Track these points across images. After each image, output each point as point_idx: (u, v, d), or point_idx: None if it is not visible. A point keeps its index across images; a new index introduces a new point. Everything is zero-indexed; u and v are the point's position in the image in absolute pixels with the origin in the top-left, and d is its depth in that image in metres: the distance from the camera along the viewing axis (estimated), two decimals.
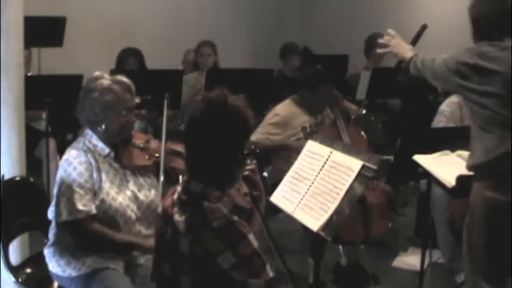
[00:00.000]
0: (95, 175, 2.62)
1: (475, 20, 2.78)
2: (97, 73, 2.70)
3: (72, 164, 2.61)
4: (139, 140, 2.85)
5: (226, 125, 1.94)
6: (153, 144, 2.89)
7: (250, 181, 2.30)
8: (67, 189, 2.57)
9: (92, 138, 2.68)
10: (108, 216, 2.61)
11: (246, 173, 2.28)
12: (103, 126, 2.65)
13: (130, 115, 2.71)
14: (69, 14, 5.59)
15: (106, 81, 2.65)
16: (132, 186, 2.71)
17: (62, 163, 2.65)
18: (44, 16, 5.24)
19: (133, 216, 2.67)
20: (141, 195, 2.71)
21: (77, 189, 2.56)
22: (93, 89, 2.64)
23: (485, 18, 2.74)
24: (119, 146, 2.73)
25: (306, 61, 5.94)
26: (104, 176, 2.64)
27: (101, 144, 2.68)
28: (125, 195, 2.67)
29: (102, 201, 2.61)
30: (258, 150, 2.16)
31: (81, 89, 2.71)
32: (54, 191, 2.66)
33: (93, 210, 2.58)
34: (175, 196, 2.00)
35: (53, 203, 2.67)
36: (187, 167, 2.02)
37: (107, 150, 2.68)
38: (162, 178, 3.11)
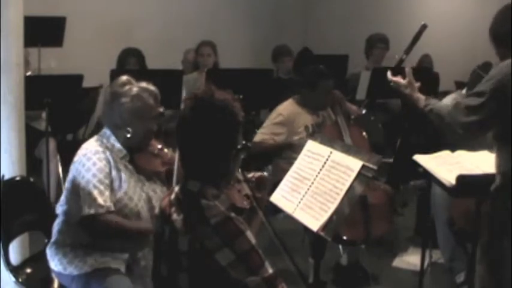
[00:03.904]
0: (113, 173, 2.62)
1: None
2: (124, 78, 2.70)
3: (92, 159, 2.60)
4: (153, 146, 2.85)
5: (215, 120, 1.94)
6: (167, 151, 2.89)
7: (258, 182, 2.27)
8: (87, 184, 2.56)
9: (110, 138, 2.68)
10: (123, 214, 2.61)
11: (260, 174, 2.28)
12: (128, 132, 2.65)
13: (155, 123, 2.72)
14: (69, 14, 5.60)
15: (135, 87, 2.66)
16: (146, 189, 2.72)
17: (80, 158, 2.63)
18: (44, 16, 5.25)
19: (145, 218, 2.68)
20: (153, 200, 2.71)
21: (97, 184, 2.56)
22: (122, 94, 2.63)
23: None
24: (134, 150, 2.74)
25: (304, 61, 5.93)
26: (123, 176, 2.64)
27: (118, 145, 2.67)
28: (140, 196, 2.68)
29: (119, 200, 2.61)
30: (249, 145, 2.14)
31: (107, 91, 2.72)
32: (67, 185, 2.66)
33: (113, 207, 2.58)
34: (173, 196, 2.01)
35: (63, 198, 2.67)
36: (182, 166, 2.03)
37: (124, 152, 2.69)
38: (175, 184, 3.11)
